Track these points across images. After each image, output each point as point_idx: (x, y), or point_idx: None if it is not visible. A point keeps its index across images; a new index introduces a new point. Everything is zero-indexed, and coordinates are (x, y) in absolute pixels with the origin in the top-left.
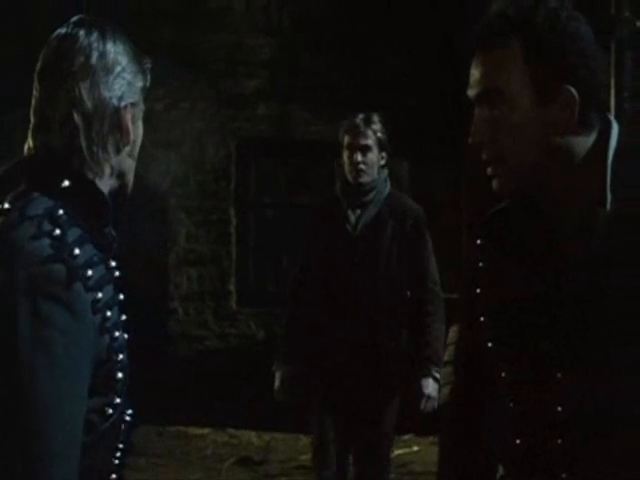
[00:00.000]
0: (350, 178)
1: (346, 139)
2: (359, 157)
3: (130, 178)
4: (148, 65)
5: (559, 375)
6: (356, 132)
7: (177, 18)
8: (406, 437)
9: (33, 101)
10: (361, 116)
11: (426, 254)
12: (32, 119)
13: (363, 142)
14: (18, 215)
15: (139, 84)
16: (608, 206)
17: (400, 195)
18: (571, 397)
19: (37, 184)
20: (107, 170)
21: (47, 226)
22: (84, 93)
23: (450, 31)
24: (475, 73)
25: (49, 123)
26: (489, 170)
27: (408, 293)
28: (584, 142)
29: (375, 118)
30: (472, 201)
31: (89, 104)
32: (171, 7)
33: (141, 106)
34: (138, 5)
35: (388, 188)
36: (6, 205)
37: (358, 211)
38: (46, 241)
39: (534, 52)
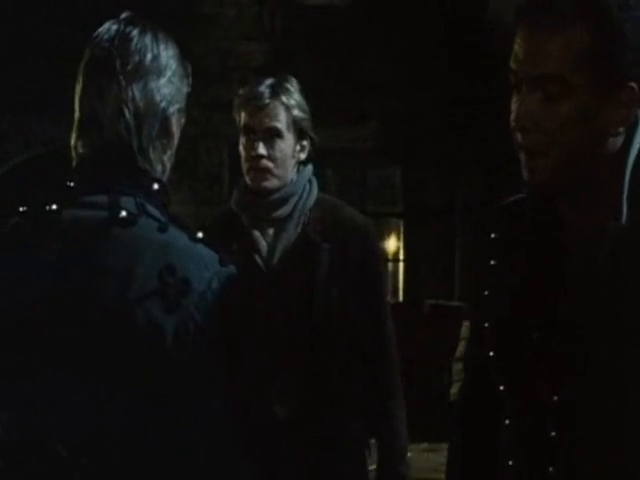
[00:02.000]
0: (248, 180)
1: (243, 117)
2: (261, 148)
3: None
4: (190, 70)
5: (555, 398)
6: (257, 107)
7: (170, 24)
8: None
9: (78, 94)
10: (268, 81)
11: (382, 296)
12: (77, 112)
13: (267, 123)
14: (155, 218)
15: (185, 89)
16: (623, 219)
17: (335, 202)
18: (565, 422)
19: (122, 184)
20: (159, 173)
21: (187, 230)
22: (137, 94)
23: (441, 38)
24: (531, 51)
25: (99, 118)
26: (525, 159)
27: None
28: (616, 144)
29: (289, 85)
30: (466, 206)
31: (141, 105)
32: (164, 13)
33: (184, 112)
34: (130, 12)
35: (315, 194)
36: (96, 199)
37: (270, 231)
38: (201, 245)
39: (606, 41)
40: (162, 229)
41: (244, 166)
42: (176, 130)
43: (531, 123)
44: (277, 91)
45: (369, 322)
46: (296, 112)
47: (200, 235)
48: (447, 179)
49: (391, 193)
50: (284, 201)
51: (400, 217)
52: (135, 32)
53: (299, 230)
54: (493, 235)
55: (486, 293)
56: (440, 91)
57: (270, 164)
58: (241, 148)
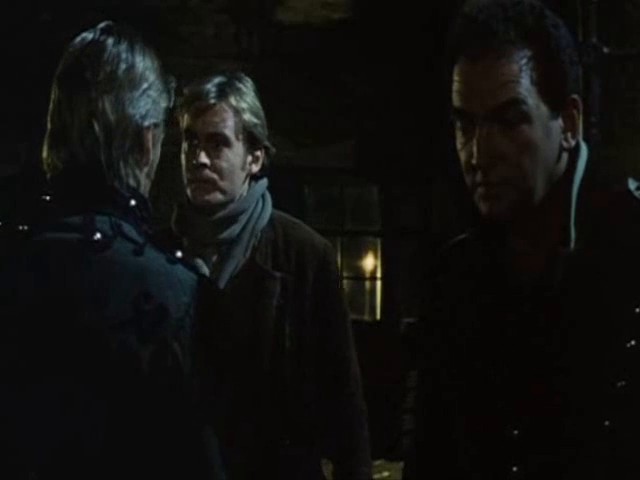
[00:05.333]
0: (189, 193)
1: (185, 120)
2: (203, 156)
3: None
4: (173, 85)
5: (515, 432)
6: (200, 108)
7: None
8: (377, 463)
9: (51, 106)
10: (216, 79)
11: (344, 330)
12: (49, 124)
13: (212, 128)
14: (131, 240)
15: (163, 104)
16: (572, 244)
17: (290, 222)
18: (526, 456)
19: (97, 202)
20: (132, 189)
21: (165, 251)
22: (107, 106)
23: (421, 58)
24: (481, 82)
25: (67, 131)
26: (486, 190)
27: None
28: (563, 166)
29: (241, 85)
30: (442, 226)
31: (112, 118)
32: (141, 31)
33: (162, 128)
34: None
35: (268, 213)
36: (72, 220)
37: (214, 258)
38: (180, 266)
39: (552, 60)
40: (138, 252)
41: (185, 177)
42: (151, 146)
43: (495, 157)
44: (226, 91)
45: (335, 368)
46: (247, 117)
47: (179, 255)
48: (424, 198)
49: (368, 212)
50: (231, 220)
51: (377, 236)
52: (109, 41)
53: (248, 255)
54: (437, 279)
55: (435, 336)
56: (417, 111)
57: (214, 175)
58: (182, 156)
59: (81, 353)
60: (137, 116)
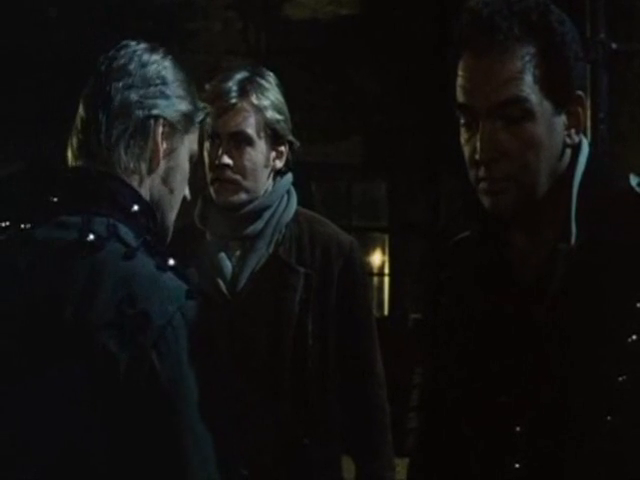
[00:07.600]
0: (212, 193)
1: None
2: (225, 156)
3: (167, 217)
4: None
5: (518, 429)
6: (221, 107)
7: (155, 38)
8: None
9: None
10: (237, 76)
11: (368, 329)
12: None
13: (234, 128)
14: (125, 243)
15: (182, 107)
16: (573, 240)
17: (315, 218)
18: (529, 452)
19: (99, 202)
20: (143, 191)
21: (157, 257)
22: (113, 93)
23: (426, 54)
24: (484, 78)
25: (80, 124)
26: (489, 185)
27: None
28: (565, 162)
29: (263, 81)
30: (449, 222)
31: (115, 102)
32: (149, 27)
33: (183, 134)
34: (116, 25)
35: (293, 208)
36: (70, 219)
37: (238, 252)
38: (170, 274)
39: (556, 57)
40: (128, 256)
41: (207, 176)
42: (161, 141)
43: (498, 153)
44: (247, 89)
45: (353, 358)
46: (270, 114)
47: (171, 262)
48: (432, 194)
49: (376, 208)
50: (256, 216)
51: (385, 231)
52: (132, 43)
53: (271, 250)
54: (440, 276)
55: (440, 333)
56: (426, 108)
57: (237, 176)
58: (205, 154)
59: (65, 352)
60: (142, 103)
